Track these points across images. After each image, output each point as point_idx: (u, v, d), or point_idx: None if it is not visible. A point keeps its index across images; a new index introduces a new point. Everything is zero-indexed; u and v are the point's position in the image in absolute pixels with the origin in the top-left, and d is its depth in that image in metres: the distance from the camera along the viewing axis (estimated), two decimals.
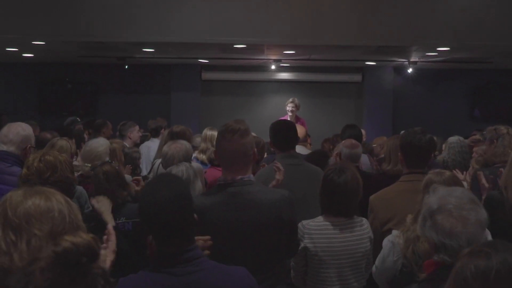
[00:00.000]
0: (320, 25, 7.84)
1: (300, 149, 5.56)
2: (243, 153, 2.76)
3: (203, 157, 5.57)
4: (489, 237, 3.06)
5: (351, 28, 7.91)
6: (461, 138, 6.03)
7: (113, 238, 2.09)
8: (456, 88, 12.05)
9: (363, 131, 6.80)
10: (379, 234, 3.44)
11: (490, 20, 7.77)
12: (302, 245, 3.27)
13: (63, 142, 4.95)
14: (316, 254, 3.27)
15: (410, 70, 10.82)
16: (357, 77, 12.03)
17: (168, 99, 11.96)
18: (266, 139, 4.63)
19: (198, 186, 3.89)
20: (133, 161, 5.83)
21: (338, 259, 3.28)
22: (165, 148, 4.51)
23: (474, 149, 5.77)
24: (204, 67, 11.97)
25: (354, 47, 8.76)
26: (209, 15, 7.83)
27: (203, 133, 5.94)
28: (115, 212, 3.73)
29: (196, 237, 2.24)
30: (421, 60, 10.33)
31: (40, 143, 4.84)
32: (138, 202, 3.98)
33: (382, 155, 5.59)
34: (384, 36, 7.97)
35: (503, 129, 4.70)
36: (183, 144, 4.50)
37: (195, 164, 4.53)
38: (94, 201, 3.62)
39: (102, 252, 1.83)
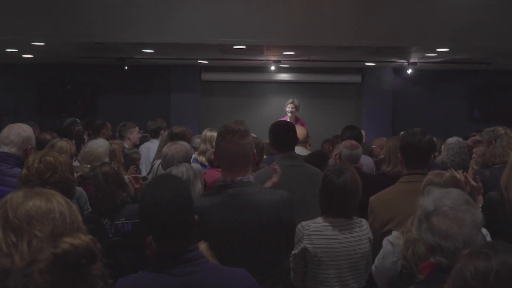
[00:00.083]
0: (320, 26, 7.84)
1: (300, 150, 5.56)
2: (243, 154, 2.76)
3: (202, 158, 5.56)
4: (489, 238, 3.07)
5: (350, 29, 7.91)
6: (460, 139, 6.04)
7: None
8: (455, 89, 12.05)
9: (362, 132, 6.80)
10: (379, 235, 3.44)
11: (489, 21, 7.77)
12: (301, 246, 3.27)
13: (63, 143, 4.95)
14: (315, 255, 3.27)
15: (409, 71, 10.82)
16: (357, 78, 12.04)
17: (167, 100, 11.95)
18: (266, 140, 4.63)
19: (198, 187, 3.89)
20: (132, 162, 5.83)
21: (337, 260, 3.28)
22: (165, 149, 4.51)
23: (474, 150, 5.78)
24: (204, 68, 11.96)
25: (354, 48, 8.76)
26: (208, 16, 7.83)
27: (203, 134, 5.94)
28: (115, 213, 3.73)
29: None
30: (421, 61, 10.33)
31: (40, 144, 4.84)
32: (137, 202, 3.99)
33: (382, 156, 5.60)
34: (383, 37, 7.97)
35: (500, 130, 4.71)
36: (183, 145, 4.50)
37: (194, 165, 4.53)
38: None
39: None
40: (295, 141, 4.24)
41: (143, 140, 8.10)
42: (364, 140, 7.12)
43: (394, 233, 3.08)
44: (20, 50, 9.79)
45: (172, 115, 11.61)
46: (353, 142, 4.98)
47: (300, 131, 6.08)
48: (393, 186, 3.73)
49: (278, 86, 12.13)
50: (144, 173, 6.46)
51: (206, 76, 12.04)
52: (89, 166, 4.63)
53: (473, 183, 3.89)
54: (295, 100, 9.13)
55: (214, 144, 3.34)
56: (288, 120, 8.41)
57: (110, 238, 3.57)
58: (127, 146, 6.69)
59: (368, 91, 11.95)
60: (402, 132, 4.73)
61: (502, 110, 11.66)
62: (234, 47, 8.67)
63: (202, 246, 2.25)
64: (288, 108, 8.98)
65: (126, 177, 4.76)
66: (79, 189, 4.09)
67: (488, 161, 4.72)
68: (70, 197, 2.49)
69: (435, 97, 12.08)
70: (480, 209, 3.65)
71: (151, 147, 7.40)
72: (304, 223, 3.32)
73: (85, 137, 7.54)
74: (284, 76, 11.98)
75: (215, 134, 5.16)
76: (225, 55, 9.88)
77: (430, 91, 12.15)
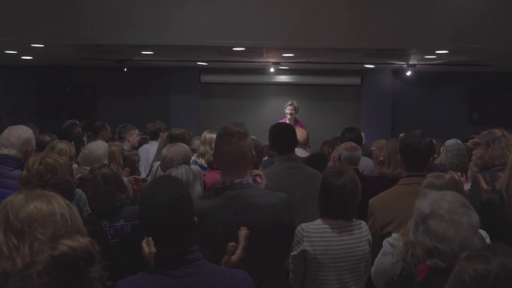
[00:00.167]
0: (319, 28, 7.84)
1: (300, 152, 5.56)
2: (242, 156, 2.76)
3: (202, 160, 5.56)
4: (488, 240, 3.07)
5: (350, 31, 7.92)
6: (459, 141, 6.04)
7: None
8: (454, 91, 12.06)
9: (362, 134, 6.80)
10: (379, 237, 3.44)
11: (488, 23, 7.78)
12: (301, 248, 3.27)
13: (62, 145, 4.95)
14: (315, 257, 3.27)
15: (409, 73, 10.82)
16: (356, 80, 12.04)
17: (167, 102, 11.96)
18: (265, 141, 4.63)
19: (197, 189, 3.88)
20: (132, 164, 5.84)
21: (336, 262, 3.28)
22: (164, 151, 4.50)
23: (474, 152, 5.78)
24: (203, 69, 11.97)
25: (353, 50, 8.77)
26: (208, 18, 7.83)
27: (202, 136, 5.94)
28: (114, 215, 3.72)
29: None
30: (420, 63, 10.35)
31: (39, 146, 4.84)
32: (136, 204, 3.99)
33: (381, 158, 5.60)
34: (383, 39, 7.98)
35: (497, 132, 4.72)
36: (182, 147, 4.49)
37: (193, 167, 4.53)
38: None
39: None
40: (294, 143, 4.24)
41: (142, 142, 8.10)
42: (363, 142, 7.12)
43: (394, 235, 3.08)
44: (20, 52, 9.79)
45: (172, 117, 11.61)
46: (353, 144, 4.98)
47: (300, 133, 6.08)
48: (393, 188, 3.73)
49: (277, 88, 12.14)
50: (143, 175, 6.46)
51: (206, 78, 12.04)
52: (88, 168, 4.62)
53: (485, 185, 3.88)
54: (294, 102, 9.13)
55: (213, 146, 3.33)
56: (287, 122, 8.41)
57: (109, 240, 3.57)
58: (126, 148, 6.69)
59: (367, 93, 11.96)
60: (401, 134, 4.74)
61: (501, 112, 11.67)
62: (234, 49, 8.67)
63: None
64: (287, 110, 8.99)
65: (125, 178, 4.77)
66: (78, 191, 4.09)
67: (487, 163, 4.73)
68: (70, 199, 2.49)
69: (434, 99, 12.09)
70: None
71: (150, 149, 7.40)
72: (303, 225, 3.32)
73: (85, 139, 7.54)
74: (283, 78, 11.99)
75: (214, 136, 5.16)
76: (224, 57, 9.89)
77: (429, 93, 12.15)
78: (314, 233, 3.29)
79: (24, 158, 3.86)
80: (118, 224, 3.69)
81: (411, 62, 10.32)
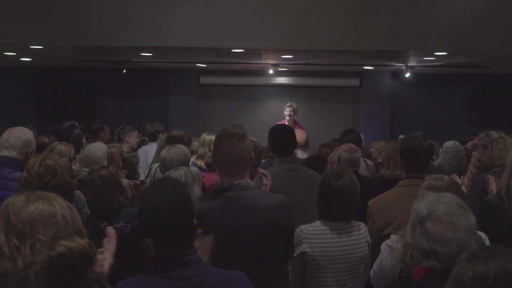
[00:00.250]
0: (318, 29, 7.85)
1: (299, 153, 5.56)
2: (241, 158, 2.75)
3: (201, 162, 5.55)
4: (487, 242, 3.07)
5: (348, 32, 7.93)
6: (457, 143, 6.05)
7: (113, 241, 2.07)
8: (453, 93, 12.07)
9: (361, 136, 6.80)
10: (378, 239, 3.44)
11: (487, 25, 7.79)
12: (300, 249, 3.27)
13: (62, 147, 4.94)
14: (314, 259, 3.27)
15: (407, 75, 10.84)
16: (355, 82, 12.05)
17: (166, 103, 11.96)
18: (264, 143, 4.63)
19: (196, 190, 3.88)
20: (131, 166, 5.83)
21: (335, 263, 3.28)
22: (163, 152, 4.49)
23: (473, 153, 5.78)
24: (202, 71, 11.97)
25: (352, 51, 8.77)
26: (207, 20, 7.83)
27: (201, 137, 5.93)
28: (113, 216, 3.72)
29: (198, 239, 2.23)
30: (419, 64, 10.35)
31: (38, 147, 4.82)
32: (135, 206, 3.98)
33: (380, 160, 5.60)
34: (381, 40, 7.99)
35: (494, 134, 4.73)
36: (181, 148, 4.49)
37: (192, 168, 4.52)
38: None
39: (100, 256, 1.82)
40: (294, 145, 4.24)
41: (141, 143, 8.09)
42: (362, 144, 7.13)
43: (393, 237, 3.08)
44: (19, 54, 9.79)
45: (170, 119, 11.61)
46: (352, 145, 4.97)
47: (300, 134, 6.09)
48: (392, 189, 3.72)
49: (276, 90, 12.14)
50: (142, 176, 6.46)
51: (204, 80, 12.05)
52: (87, 169, 4.61)
53: (494, 189, 3.89)
54: (293, 103, 9.14)
55: (212, 147, 3.32)
56: (286, 123, 8.41)
57: None
58: (125, 150, 6.68)
59: (366, 95, 11.96)
60: (400, 136, 4.76)
61: (500, 113, 11.68)
62: (232, 50, 8.68)
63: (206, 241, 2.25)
64: (286, 111, 8.99)
65: (126, 181, 4.76)
66: (77, 193, 4.09)
67: (486, 164, 4.73)
68: (70, 201, 2.49)
69: (433, 101, 12.09)
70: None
71: (149, 150, 7.40)
72: (302, 226, 3.32)
73: (83, 140, 7.54)
74: (282, 80, 11.99)
75: (213, 137, 5.15)
76: (223, 58, 9.89)
77: (428, 95, 12.16)
78: (313, 234, 3.29)
79: (25, 159, 3.85)
80: (118, 225, 3.69)
81: (410, 64, 10.33)
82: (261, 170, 3.47)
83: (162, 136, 6.79)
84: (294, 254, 3.27)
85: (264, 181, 3.35)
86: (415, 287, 2.24)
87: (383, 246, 3.08)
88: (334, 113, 12.12)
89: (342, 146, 5.09)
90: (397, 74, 11.61)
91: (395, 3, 7.88)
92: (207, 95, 12.20)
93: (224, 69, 11.65)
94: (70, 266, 1.32)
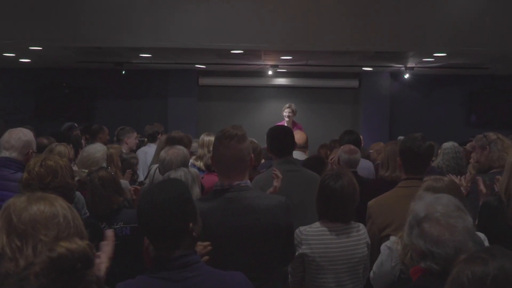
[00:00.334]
0: (317, 30, 7.86)
1: (298, 154, 5.56)
2: (240, 159, 2.76)
3: (200, 163, 5.55)
4: (486, 243, 3.07)
5: (348, 34, 7.93)
6: (455, 144, 6.05)
7: (111, 244, 2.07)
8: (452, 94, 12.08)
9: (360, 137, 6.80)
10: (378, 240, 3.44)
11: (486, 26, 7.80)
12: (299, 251, 3.27)
13: (61, 148, 4.94)
14: (313, 260, 3.27)
15: (406, 76, 10.84)
16: (354, 83, 12.06)
17: (165, 105, 11.96)
18: (264, 144, 4.63)
19: (196, 191, 3.88)
20: (130, 167, 5.83)
21: (335, 264, 3.28)
22: (162, 153, 4.49)
23: (472, 155, 5.78)
24: (201, 72, 11.97)
25: (351, 52, 8.78)
26: (206, 21, 7.84)
27: (200, 138, 5.93)
28: (113, 217, 3.72)
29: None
30: (418, 65, 10.36)
31: (37, 149, 4.80)
32: (134, 208, 3.98)
33: (379, 161, 5.60)
34: (381, 41, 8.00)
35: (492, 135, 4.73)
36: (180, 149, 4.49)
37: (192, 169, 4.52)
38: None
39: (97, 260, 1.82)
40: (292, 146, 4.24)
41: (140, 144, 8.09)
42: (362, 145, 7.13)
43: (392, 238, 3.08)
44: (18, 55, 9.79)
45: (170, 120, 11.61)
46: (352, 146, 4.98)
47: (300, 135, 6.09)
48: (392, 191, 3.72)
49: (276, 91, 12.15)
50: (141, 177, 6.46)
51: (204, 81, 12.05)
52: (86, 170, 4.61)
53: (483, 189, 3.89)
54: (292, 104, 9.14)
55: (211, 149, 3.33)
56: (285, 124, 8.42)
57: None
58: (124, 151, 6.68)
59: (365, 96, 11.97)
60: (400, 137, 4.76)
61: (499, 114, 11.68)
62: (232, 51, 8.68)
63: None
64: (285, 112, 9.00)
65: (125, 182, 4.76)
66: (76, 194, 4.08)
67: (485, 165, 4.73)
68: (70, 202, 2.49)
69: (432, 102, 12.10)
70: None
71: (148, 151, 7.40)
72: (302, 228, 3.32)
73: (83, 141, 7.54)
74: (281, 81, 12.00)
75: (212, 138, 5.16)
76: (222, 59, 9.90)
77: (427, 96, 12.17)
78: (312, 236, 3.29)
79: (25, 160, 3.84)
80: (117, 226, 3.69)
81: (409, 65, 10.34)
82: (276, 171, 3.48)
83: (161, 137, 6.79)
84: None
85: (275, 183, 3.37)
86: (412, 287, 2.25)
87: (383, 247, 3.08)
88: (333, 114, 12.13)
89: (341, 147, 5.09)
90: (396, 75, 11.62)
91: (394, 4, 7.89)
92: (206, 96, 12.20)
93: (224, 70, 11.65)
94: (70, 268, 1.32)
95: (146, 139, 8.16)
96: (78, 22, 7.78)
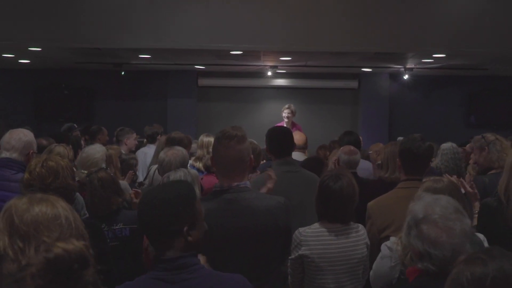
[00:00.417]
0: (317, 31, 7.86)
1: (298, 155, 5.55)
2: (240, 160, 2.75)
3: (199, 164, 5.55)
4: (486, 244, 3.07)
5: (347, 34, 7.94)
6: (454, 145, 6.05)
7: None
8: (452, 95, 12.08)
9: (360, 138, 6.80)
10: (377, 241, 3.43)
11: (485, 27, 7.80)
12: (299, 252, 3.27)
13: (60, 149, 4.93)
14: (313, 261, 3.27)
15: (406, 77, 10.84)
16: (353, 84, 12.06)
17: (164, 105, 11.96)
18: (263, 145, 4.63)
19: (196, 192, 3.87)
20: (130, 168, 5.82)
21: (334, 265, 3.28)
22: (161, 154, 4.49)
23: (471, 155, 5.77)
24: (201, 73, 11.97)
25: (350, 53, 8.78)
26: (205, 22, 7.84)
27: (199, 139, 5.93)
28: (112, 218, 3.72)
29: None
30: (417, 66, 10.36)
31: (36, 149, 4.81)
32: (133, 209, 3.98)
33: (378, 162, 5.60)
34: (380, 42, 8.00)
35: (490, 136, 4.73)
36: (179, 150, 4.49)
37: (191, 170, 4.52)
38: None
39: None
40: (292, 146, 4.24)
41: (139, 145, 8.09)
42: (361, 146, 7.12)
43: (392, 239, 3.07)
44: (17, 56, 9.79)
45: (169, 121, 11.61)
46: (351, 147, 4.97)
47: (299, 136, 6.08)
48: (391, 192, 3.72)
49: (275, 92, 12.15)
50: (141, 178, 6.46)
51: (203, 82, 12.05)
52: (86, 171, 4.61)
53: (469, 189, 3.90)
54: (292, 105, 9.15)
55: (211, 150, 3.32)
56: (285, 125, 8.42)
57: (108, 244, 3.56)
58: (123, 152, 6.68)
59: (365, 97, 11.97)
60: (399, 138, 4.75)
61: (498, 115, 11.69)
62: (231, 52, 8.68)
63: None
64: (284, 113, 9.00)
65: (124, 183, 4.76)
66: (76, 195, 4.08)
67: (484, 166, 4.73)
68: (71, 203, 2.49)
69: (432, 102, 12.11)
70: (476, 215, 3.68)
71: (148, 152, 7.39)
72: (301, 229, 3.32)
73: (82, 142, 7.53)
74: (280, 82, 12.00)
75: (212, 139, 5.16)
76: (222, 60, 9.90)
77: (426, 96, 12.17)
78: (311, 237, 3.29)
79: (26, 161, 3.84)
80: (117, 227, 3.69)
81: (408, 66, 10.34)
82: (271, 172, 3.48)
83: (161, 138, 6.79)
84: (293, 256, 3.27)
85: (268, 184, 3.36)
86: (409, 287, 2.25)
87: (383, 248, 3.08)
88: (333, 115, 12.13)
89: (341, 148, 5.09)
90: (396, 76, 11.63)
91: (394, 5, 7.90)
92: (205, 97, 12.20)
93: (223, 71, 11.65)
94: (66, 268, 1.32)
95: (145, 140, 8.16)
96: (77, 22, 7.77)
